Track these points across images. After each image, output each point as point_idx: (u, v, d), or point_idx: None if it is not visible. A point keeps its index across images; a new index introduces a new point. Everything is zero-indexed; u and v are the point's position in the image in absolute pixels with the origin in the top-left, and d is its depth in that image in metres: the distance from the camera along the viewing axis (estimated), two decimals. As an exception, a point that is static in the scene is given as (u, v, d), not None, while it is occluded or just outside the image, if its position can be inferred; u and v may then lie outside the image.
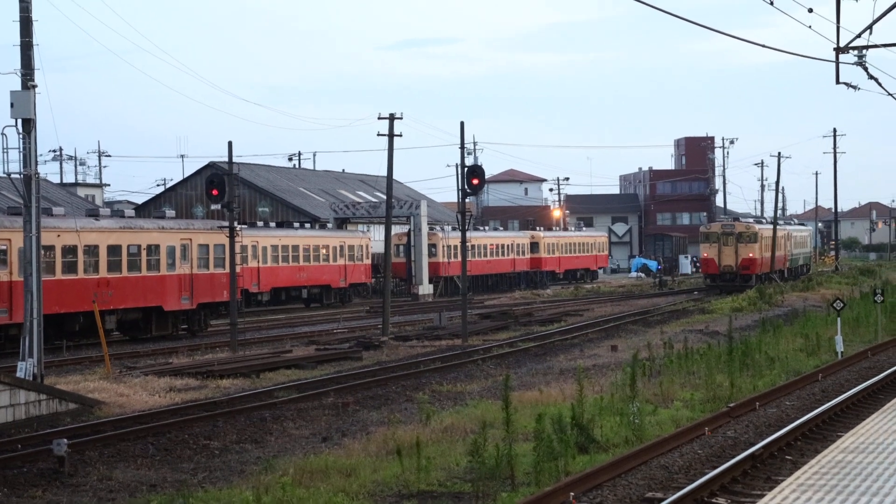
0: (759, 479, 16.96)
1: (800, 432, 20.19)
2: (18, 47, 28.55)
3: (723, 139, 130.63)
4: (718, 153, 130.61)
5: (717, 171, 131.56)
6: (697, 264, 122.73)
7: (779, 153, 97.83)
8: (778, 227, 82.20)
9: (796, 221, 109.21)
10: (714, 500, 15.59)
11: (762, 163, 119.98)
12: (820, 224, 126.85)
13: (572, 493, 15.30)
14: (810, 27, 28.81)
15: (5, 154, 28.62)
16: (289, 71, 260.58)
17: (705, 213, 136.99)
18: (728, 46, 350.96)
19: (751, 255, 74.51)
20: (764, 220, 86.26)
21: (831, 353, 33.61)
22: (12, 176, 28.95)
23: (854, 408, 23.51)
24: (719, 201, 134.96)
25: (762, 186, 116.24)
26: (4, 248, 38.91)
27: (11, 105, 28.25)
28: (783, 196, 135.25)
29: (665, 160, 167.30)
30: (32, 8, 28.64)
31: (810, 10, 27.73)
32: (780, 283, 74.49)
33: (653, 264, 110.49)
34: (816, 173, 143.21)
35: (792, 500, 12.57)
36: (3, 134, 28.49)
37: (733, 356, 28.57)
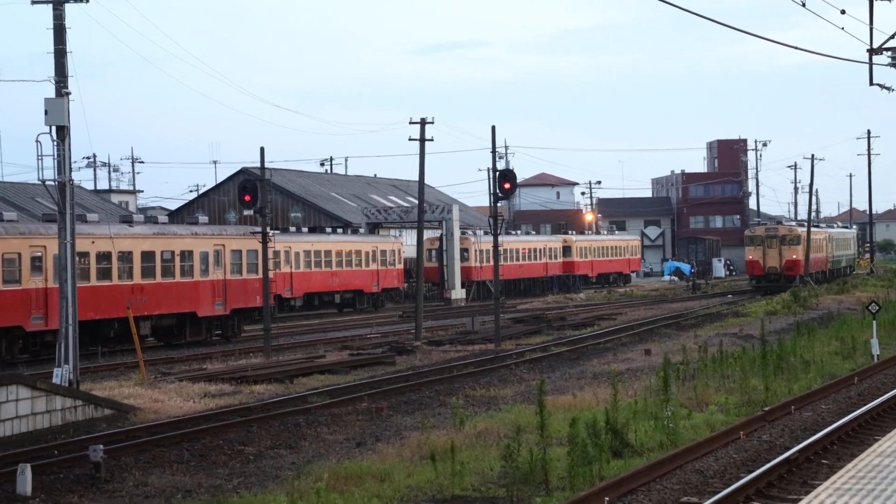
0: (794, 483, 16.87)
1: (836, 436, 20.05)
2: (52, 55, 28.74)
3: (755, 141, 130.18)
4: (751, 156, 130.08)
5: (750, 173, 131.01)
6: (731, 267, 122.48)
7: (812, 155, 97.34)
8: (820, 229, 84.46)
9: (839, 224, 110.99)
10: (750, 505, 15.50)
11: (795, 165, 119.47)
12: (854, 226, 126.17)
13: (607, 498, 15.26)
14: (843, 28, 28.63)
15: (40, 161, 28.79)
16: (320, 76, 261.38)
17: (738, 216, 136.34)
18: (760, 48, 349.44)
19: (794, 256, 77.78)
20: (818, 224, 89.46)
21: (867, 356, 33.37)
22: (47, 183, 29.10)
23: (891, 411, 23.32)
24: (752, 204, 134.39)
25: (795, 189, 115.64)
26: (39, 254, 39.17)
27: (46, 112, 28.43)
28: (817, 198, 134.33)
29: (697, 163, 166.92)
30: (66, 16, 28.83)
31: (843, 12, 27.60)
32: (815, 286, 74.41)
33: (686, 267, 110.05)
34: (850, 175, 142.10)
35: (829, 504, 12.49)
36: (37, 141, 28.67)
37: (768, 360, 28.41)
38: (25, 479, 18.16)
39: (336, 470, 18.49)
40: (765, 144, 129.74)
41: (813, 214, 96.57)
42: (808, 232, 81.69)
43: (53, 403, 24.53)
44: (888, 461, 14.90)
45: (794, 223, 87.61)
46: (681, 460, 18.13)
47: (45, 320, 38.57)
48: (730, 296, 74.93)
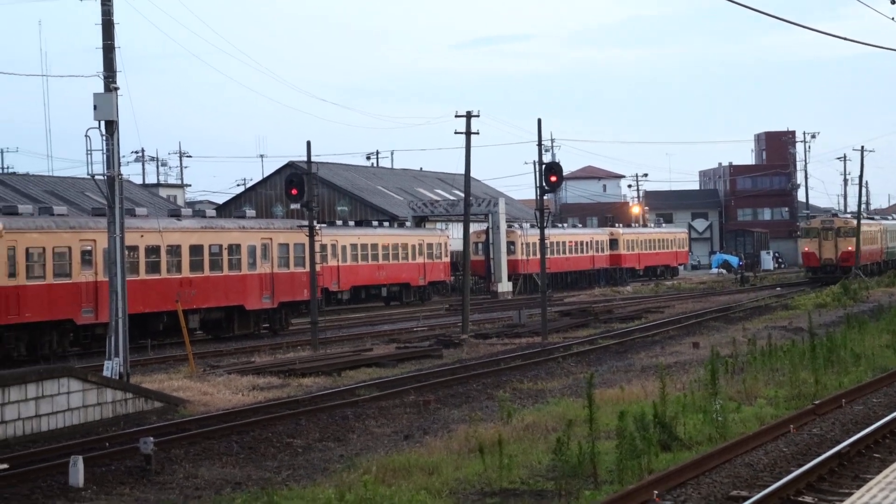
0: (846, 477, 16.72)
1: (888, 430, 19.85)
2: (101, 50, 28.94)
3: (804, 133, 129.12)
4: (800, 147, 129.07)
5: (799, 165, 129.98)
6: (780, 260, 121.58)
7: (862, 147, 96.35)
8: (874, 221, 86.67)
9: (894, 216, 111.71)
10: (800, 499, 15.38)
11: (845, 157, 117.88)
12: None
13: (656, 492, 15.19)
14: (893, 19, 28.30)
15: (89, 156, 28.98)
16: (366, 71, 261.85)
17: (787, 209, 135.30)
18: (809, 39, 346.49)
19: (850, 248, 79.53)
20: (863, 216, 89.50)
21: (919, 349, 33.00)
22: (96, 177, 29.31)
23: (943, 405, 23.07)
24: (801, 196, 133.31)
25: (845, 181, 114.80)
26: (89, 248, 39.52)
27: (95, 107, 28.62)
28: (867, 190, 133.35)
29: (745, 155, 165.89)
30: (114, 11, 29.03)
31: (893, 2, 27.30)
32: (865, 279, 73.94)
33: (734, 260, 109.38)
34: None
35: (880, 498, 12.38)
36: (86, 136, 28.88)
37: (817, 353, 28.17)
38: (77, 471, 18.34)
39: (384, 463, 18.53)
40: (813, 136, 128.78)
41: (863, 206, 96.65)
42: (858, 224, 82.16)
43: (104, 396, 24.75)
44: (941, 455, 14.74)
45: (849, 215, 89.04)
46: (730, 454, 18.01)
47: (95, 314, 38.92)
48: (778, 288, 74.43)
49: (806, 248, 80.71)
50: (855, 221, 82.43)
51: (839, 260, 79.33)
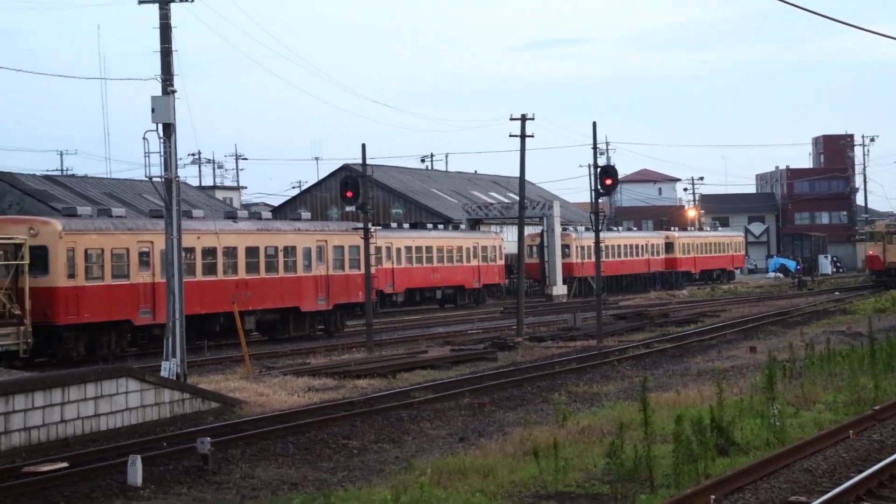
0: (907, 483, 16.52)
1: (949, 436, 19.60)
2: (158, 54, 29.20)
3: (863, 137, 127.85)
4: (858, 151, 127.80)
5: (857, 169, 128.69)
6: (838, 264, 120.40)
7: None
8: None
9: None
10: (860, 505, 15.22)
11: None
12: None
13: (713, 496, 15.09)
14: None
15: (147, 158, 29.24)
16: (421, 73, 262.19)
17: (845, 213, 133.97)
18: (867, 41, 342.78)
19: None
20: None
21: (980, 354, 32.51)
22: (154, 179, 29.58)
23: None
24: (860, 200, 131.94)
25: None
26: (147, 250, 39.88)
27: (153, 110, 28.88)
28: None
29: (803, 158, 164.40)
30: (171, 15, 29.27)
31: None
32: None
33: (791, 264, 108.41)
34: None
35: (944, 505, 12.21)
36: (144, 139, 29.13)
37: (877, 358, 27.85)
38: (136, 470, 18.50)
39: (439, 465, 18.53)
40: (872, 139, 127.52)
41: None
42: None
43: (162, 396, 24.96)
44: None
45: None
46: (788, 459, 17.86)
47: (152, 314, 39.27)
48: (837, 293, 73.70)
49: (870, 252, 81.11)
50: None
51: None
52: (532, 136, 47.06)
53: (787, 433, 20.15)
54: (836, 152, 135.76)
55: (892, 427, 21.17)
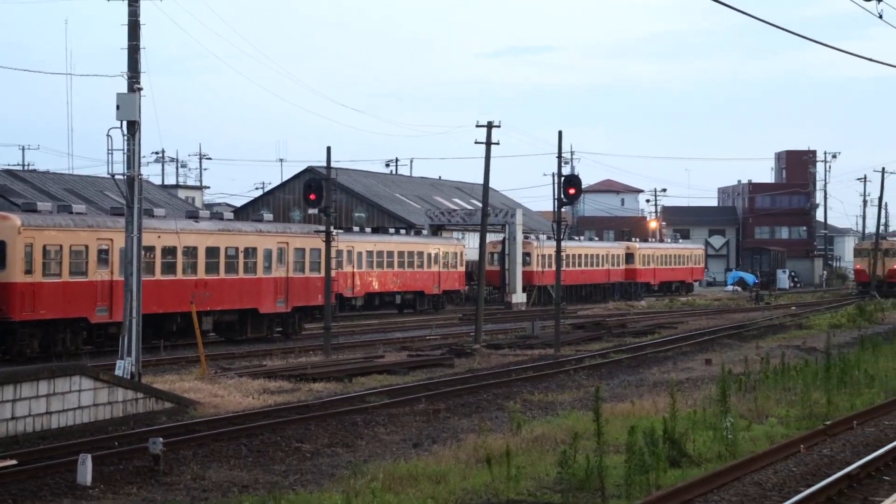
0: (855, 499, 16.67)
1: (898, 453, 19.77)
2: (126, 51, 29.04)
3: (825, 153, 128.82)
4: (820, 167, 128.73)
5: (819, 185, 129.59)
6: (796, 279, 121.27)
7: (882, 168, 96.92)
8: None
9: None
10: (808, 520, 15.33)
11: (865, 178, 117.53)
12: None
13: (663, 508, 15.15)
14: (917, 40, 28.28)
15: (110, 155, 29.07)
16: (388, 77, 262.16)
17: (805, 228, 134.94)
18: (832, 59, 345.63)
19: (895, 266, 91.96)
20: None
21: (933, 372, 32.84)
22: (116, 177, 29.40)
23: (955, 429, 22.96)
24: (819, 216, 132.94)
25: (864, 202, 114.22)
26: (106, 247, 39.65)
27: (117, 107, 28.69)
28: (886, 212, 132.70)
29: (765, 173, 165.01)
30: (140, 12, 29.12)
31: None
32: (881, 300, 74.33)
33: (750, 278, 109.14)
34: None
35: (889, 522, 12.33)
36: (108, 136, 28.97)
37: (831, 373, 28.07)
38: (86, 469, 18.37)
39: (392, 470, 18.52)
40: (834, 156, 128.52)
41: (881, 228, 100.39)
42: (877, 244, 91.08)
43: (115, 395, 24.80)
44: (951, 480, 14.67)
45: None
46: (739, 472, 17.97)
47: (109, 312, 39.02)
48: (794, 308, 74.26)
49: (858, 266, 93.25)
50: None
51: (887, 276, 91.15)
52: (497, 144, 47.20)
53: (739, 446, 20.27)
54: (797, 168, 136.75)
55: (842, 442, 21.35)
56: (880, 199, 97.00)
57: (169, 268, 42.19)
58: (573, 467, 16.91)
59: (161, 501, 17.45)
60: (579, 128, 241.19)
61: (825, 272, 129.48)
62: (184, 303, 40.64)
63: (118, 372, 27.43)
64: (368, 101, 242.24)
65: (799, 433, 21.88)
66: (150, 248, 40.56)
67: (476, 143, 47.21)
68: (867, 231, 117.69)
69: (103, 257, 39.53)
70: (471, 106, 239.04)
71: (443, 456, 19.96)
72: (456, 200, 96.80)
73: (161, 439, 19.71)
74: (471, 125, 47.43)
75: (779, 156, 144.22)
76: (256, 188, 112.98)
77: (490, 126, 46.98)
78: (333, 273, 44.33)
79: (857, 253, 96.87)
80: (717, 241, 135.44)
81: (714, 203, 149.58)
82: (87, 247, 39.11)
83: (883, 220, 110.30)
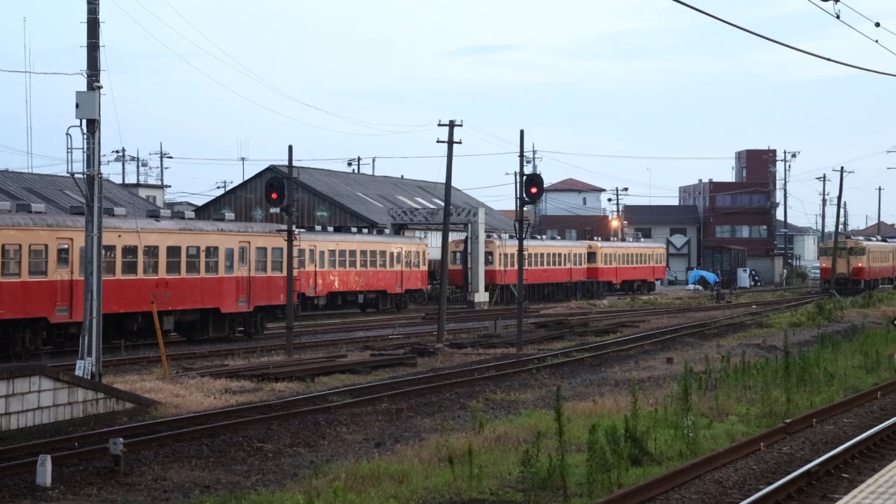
0: (814, 496, 16.79)
1: (857, 450, 19.94)
2: (85, 48, 28.84)
3: (784, 152, 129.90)
4: (780, 166, 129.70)
5: (779, 184, 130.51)
6: (756, 278, 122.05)
7: (841, 168, 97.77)
8: (888, 243, 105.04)
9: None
10: (768, 517, 15.43)
11: (824, 177, 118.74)
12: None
13: (624, 506, 15.21)
14: (877, 41, 28.47)
15: (70, 154, 28.85)
16: (351, 76, 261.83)
17: (765, 227, 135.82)
18: (792, 59, 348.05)
19: (859, 264, 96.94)
20: (875, 238, 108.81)
21: (891, 370, 33.18)
22: (76, 176, 29.20)
23: (913, 427, 23.16)
24: (780, 215, 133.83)
25: (824, 201, 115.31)
26: (66, 247, 39.37)
27: (77, 106, 28.51)
28: (845, 211, 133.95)
29: (726, 172, 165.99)
30: (100, 10, 28.93)
31: (877, 25, 27.50)
32: (840, 299, 74.98)
33: (711, 277, 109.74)
34: (880, 189, 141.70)
35: (847, 519, 12.43)
36: (67, 134, 28.76)
37: (790, 371, 28.27)
38: (45, 471, 18.24)
39: (354, 470, 18.50)
40: (794, 155, 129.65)
41: (840, 227, 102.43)
42: (836, 243, 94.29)
43: (75, 395, 24.64)
44: (909, 477, 14.81)
45: (861, 238, 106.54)
46: (700, 470, 18.06)
47: (69, 312, 38.76)
48: (754, 306, 74.71)
49: (823, 264, 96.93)
50: (865, 242, 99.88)
51: (850, 274, 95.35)
52: (460, 143, 47.27)
53: (700, 444, 20.39)
54: (758, 167, 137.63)
55: (802, 440, 21.50)
56: (839, 197, 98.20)
57: (130, 267, 41.96)
58: (535, 466, 16.96)
59: (121, 502, 17.36)
60: (541, 127, 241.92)
61: (785, 271, 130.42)
62: (145, 302, 40.44)
63: (78, 372, 27.26)
64: (330, 100, 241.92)
65: (759, 431, 22.03)
66: (111, 248, 40.35)
67: (438, 142, 47.29)
68: (827, 230, 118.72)
69: (63, 257, 39.26)
70: (433, 105, 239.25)
71: (405, 455, 19.95)
72: (418, 199, 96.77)
73: (122, 440, 19.60)
74: (433, 124, 47.58)
75: (739, 155, 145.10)
76: (218, 187, 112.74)
77: (452, 125, 47.02)
78: (296, 272, 44.21)
79: (823, 252, 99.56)
80: (678, 239, 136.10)
81: (675, 202, 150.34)
82: (46, 246, 38.83)
83: (842, 219, 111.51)
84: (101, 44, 28.80)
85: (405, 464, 19.02)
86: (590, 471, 16.80)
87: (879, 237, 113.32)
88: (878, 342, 39.87)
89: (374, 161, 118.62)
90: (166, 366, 32.92)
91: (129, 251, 41.99)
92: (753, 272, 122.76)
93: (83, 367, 27.68)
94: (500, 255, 78.25)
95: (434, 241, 75.67)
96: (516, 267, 47.81)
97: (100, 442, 21.12)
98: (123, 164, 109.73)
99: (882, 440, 21.29)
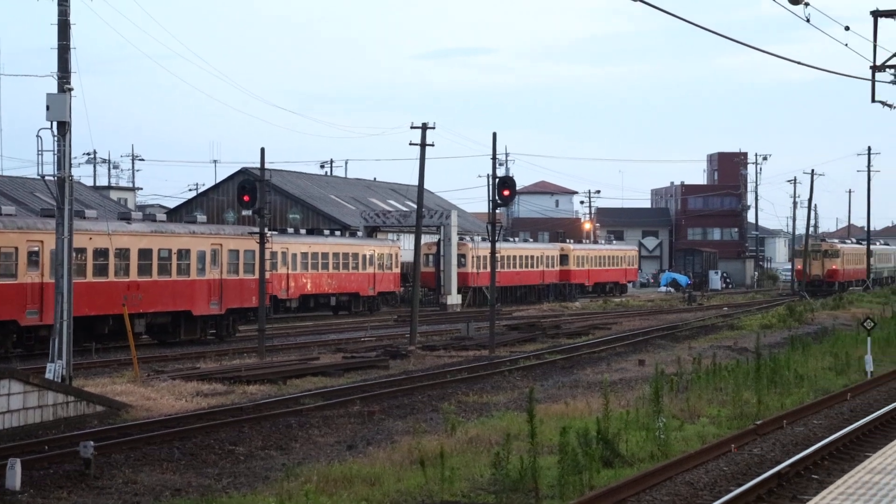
0: (784, 497, 16.87)
1: (827, 451, 20.06)
2: (56, 50, 28.71)
3: (756, 155, 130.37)
4: (751, 169, 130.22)
5: (750, 187, 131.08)
6: (728, 280, 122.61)
7: (812, 170, 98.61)
8: (862, 245, 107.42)
9: (882, 242, 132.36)
10: (739, 518, 15.49)
11: (795, 180, 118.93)
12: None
13: (596, 508, 15.24)
14: (846, 45, 28.62)
15: (40, 156, 28.73)
16: (323, 79, 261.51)
17: (736, 229, 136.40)
18: (763, 62, 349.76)
19: (834, 266, 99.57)
20: (849, 241, 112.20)
21: (860, 372, 33.38)
22: (46, 178, 29.06)
23: (882, 428, 23.34)
24: (751, 217, 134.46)
25: (794, 203, 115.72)
26: (36, 249, 39.17)
27: (47, 108, 28.37)
28: (816, 213, 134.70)
29: (697, 175, 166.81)
30: (70, 12, 28.80)
31: (847, 28, 27.64)
32: (811, 301, 75.33)
33: (683, 279, 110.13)
34: (850, 191, 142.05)
35: (817, 520, 12.50)
36: (38, 136, 28.63)
37: (761, 373, 28.40)
38: (15, 474, 18.13)
39: (326, 472, 18.47)
40: (765, 158, 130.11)
41: (811, 229, 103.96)
42: (807, 245, 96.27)
43: (46, 399, 24.51)
44: (878, 478, 14.91)
45: (836, 240, 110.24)
46: (671, 472, 18.12)
47: (40, 315, 38.56)
48: (725, 308, 75.03)
49: (799, 266, 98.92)
50: (839, 245, 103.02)
51: (825, 276, 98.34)
52: (432, 145, 47.20)
53: (672, 446, 20.45)
54: (729, 170, 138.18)
55: (772, 441, 21.60)
56: (810, 200, 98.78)
57: (101, 270, 41.78)
58: (507, 468, 16.98)
59: (92, 506, 17.28)
60: (514, 130, 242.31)
61: (756, 273, 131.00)
62: (116, 305, 40.26)
63: (49, 375, 27.11)
64: (303, 103, 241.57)
65: (730, 433, 22.12)
66: (82, 250, 40.16)
67: (411, 144, 47.25)
68: (797, 232, 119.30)
69: (33, 259, 39.06)
70: (406, 107, 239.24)
71: (377, 458, 19.94)
72: (391, 202, 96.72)
73: (92, 443, 19.50)
74: (406, 126, 47.37)
75: (711, 158, 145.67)
76: (190, 189, 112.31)
77: (425, 128, 47.00)
78: (268, 275, 44.14)
79: (799, 254, 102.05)
80: (650, 242, 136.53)
81: (647, 205, 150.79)
82: (16, 249, 38.61)
83: (813, 222, 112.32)
84: (71, 46, 28.69)
85: (377, 466, 19.00)
86: (561, 472, 16.84)
87: (853, 240, 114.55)
88: (847, 344, 40.09)
89: (346, 163, 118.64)
90: (137, 369, 32.79)
91: (100, 254, 41.79)
92: (725, 274, 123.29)
93: (53, 370, 27.53)
94: (472, 257, 78.30)
95: (407, 243, 75.69)
96: (489, 269, 47.83)
97: (70, 445, 21.01)
98: (95, 167, 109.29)
99: (852, 441, 21.42)
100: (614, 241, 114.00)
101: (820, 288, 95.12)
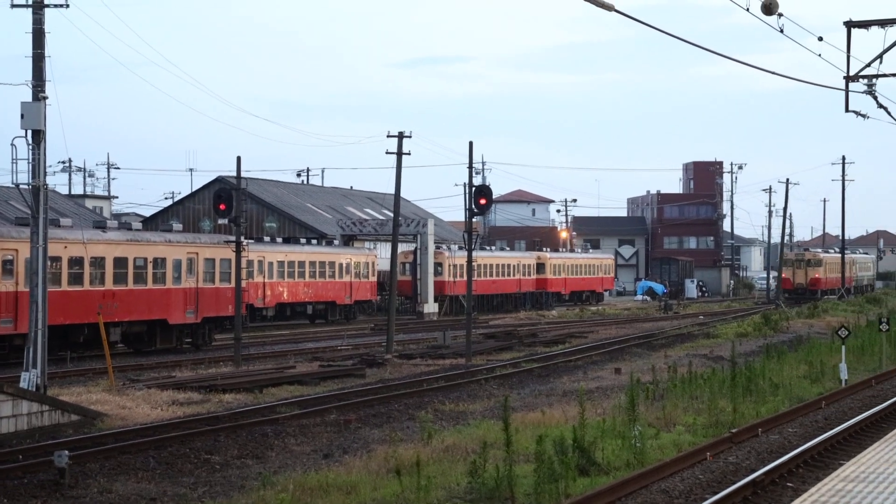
0: (759, 505, 16.91)
1: (801, 459, 20.14)
2: (31, 59, 28.65)
3: (731, 164, 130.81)
4: (727, 178, 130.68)
5: (725, 196, 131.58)
6: (704, 289, 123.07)
7: (787, 179, 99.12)
8: (845, 254, 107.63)
9: (861, 250, 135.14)
10: (714, 526, 15.53)
11: (770, 189, 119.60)
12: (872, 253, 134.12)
13: (572, 516, 15.26)
14: (820, 55, 28.75)
15: (15, 165, 28.71)
16: (299, 87, 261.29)
17: (712, 238, 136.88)
18: (738, 72, 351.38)
19: (816, 275, 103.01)
20: (832, 251, 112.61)
21: (835, 380, 33.53)
22: (21, 187, 28.98)
23: (856, 436, 23.45)
24: (727, 226, 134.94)
25: (770, 212, 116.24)
26: (11, 258, 39.00)
27: (22, 116, 28.33)
28: (791, 222, 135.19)
29: (673, 184, 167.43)
30: (45, 20, 28.75)
31: (820, 39, 27.77)
32: (786, 310, 75.70)
33: (659, 288, 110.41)
34: (825, 200, 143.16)
35: (791, 527, 12.54)
36: (12, 145, 28.59)
37: (737, 381, 28.49)
38: (-11, 484, 18.04)
39: (302, 481, 18.45)
40: (740, 167, 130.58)
41: (786, 238, 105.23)
42: (781, 254, 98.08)
43: (20, 408, 24.39)
44: (852, 486, 14.99)
45: (819, 250, 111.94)
46: (647, 480, 18.16)
47: (14, 324, 38.37)
48: (701, 317, 75.27)
49: (784, 275, 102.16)
50: (822, 255, 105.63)
51: (808, 284, 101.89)
52: (409, 154, 47.27)
53: (647, 454, 20.49)
54: (705, 179, 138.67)
55: (748, 449, 21.67)
56: (785, 209, 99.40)
57: (76, 278, 41.61)
58: (483, 477, 16.98)
59: (67, 515, 17.21)
60: (490, 138, 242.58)
61: (732, 282, 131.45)
62: (91, 313, 40.12)
63: (23, 384, 27.00)
64: (278, 111, 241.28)
65: (705, 441, 22.18)
66: (57, 259, 39.99)
67: (387, 153, 47.27)
68: (772, 241, 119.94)
69: (8, 268, 38.88)
70: (382, 116, 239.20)
71: (353, 466, 19.93)
72: (368, 210, 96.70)
73: (67, 452, 19.43)
74: (382, 135, 47.47)
75: (686, 167, 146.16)
76: (166, 198, 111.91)
77: (401, 136, 47.03)
78: (244, 283, 44.06)
79: (784, 263, 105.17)
80: (626, 250, 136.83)
81: (624, 213, 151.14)
82: (-9, 257, 38.42)
83: (788, 231, 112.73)
84: (46, 54, 28.63)
85: (353, 475, 18.99)
86: (537, 481, 16.85)
87: (835, 249, 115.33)
88: (822, 352, 40.28)
89: (323, 172, 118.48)
90: (113, 377, 32.68)
91: (76, 262, 41.64)
92: (701, 283, 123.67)
93: (28, 378, 27.41)
94: (449, 265, 78.34)
95: (383, 251, 75.65)
96: (465, 278, 47.88)
97: (44, 454, 20.92)
98: (70, 175, 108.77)
99: (826, 449, 21.51)
100: (591, 250, 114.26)
101: (803, 296, 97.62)
